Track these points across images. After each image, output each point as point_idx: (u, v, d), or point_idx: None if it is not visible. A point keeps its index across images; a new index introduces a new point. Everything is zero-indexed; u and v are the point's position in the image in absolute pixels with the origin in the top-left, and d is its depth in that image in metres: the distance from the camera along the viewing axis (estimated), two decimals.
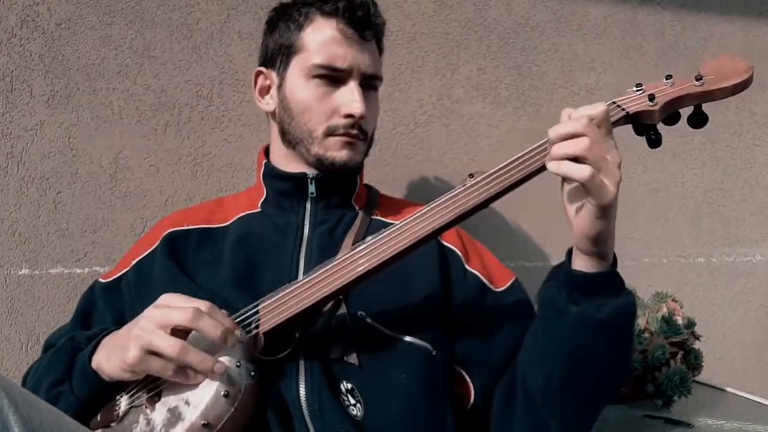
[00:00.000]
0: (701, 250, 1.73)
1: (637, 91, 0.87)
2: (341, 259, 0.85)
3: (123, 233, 1.31)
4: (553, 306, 0.84)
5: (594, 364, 0.84)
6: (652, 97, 0.85)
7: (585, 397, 0.86)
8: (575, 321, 0.82)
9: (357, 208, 1.06)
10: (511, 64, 1.57)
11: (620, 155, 0.78)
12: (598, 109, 0.78)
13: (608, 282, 0.82)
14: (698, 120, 0.90)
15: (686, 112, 0.90)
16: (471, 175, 0.84)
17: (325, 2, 0.99)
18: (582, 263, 0.83)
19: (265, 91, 1.07)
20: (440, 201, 0.84)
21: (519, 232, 1.55)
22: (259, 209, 1.06)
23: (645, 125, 0.87)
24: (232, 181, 1.37)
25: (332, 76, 0.99)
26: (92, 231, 1.30)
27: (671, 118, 0.89)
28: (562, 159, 0.76)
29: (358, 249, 0.84)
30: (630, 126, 0.88)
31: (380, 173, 1.46)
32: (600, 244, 0.81)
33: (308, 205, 1.02)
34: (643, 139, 0.81)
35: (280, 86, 1.04)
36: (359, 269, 0.83)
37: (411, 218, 0.84)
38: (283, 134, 1.04)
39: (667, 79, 0.87)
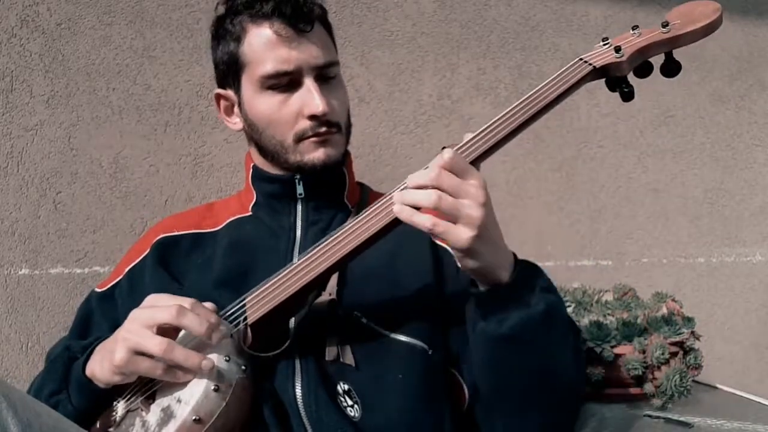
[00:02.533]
0: (701, 250, 1.73)
1: (604, 45, 0.88)
2: (321, 246, 0.84)
3: (123, 233, 1.31)
4: (469, 321, 0.85)
5: (512, 375, 0.83)
6: (618, 49, 0.85)
7: (522, 403, 0.85)
8: (481, 337, 0.82)
9: (350, 206, 1.05)
10: (511, 64, 1.57)
11: (484, 195, 0.76)
12: (445, 157, 0.77)
13: (506, 296, 0.80)
14: (671, 69, 0.88)
15: (659, 62, 0.89)
16: (444, 149, 0.83)
17: (252, 7, 0.96)
18: (481, 286, 0.82)
19: (229, 111, 1.05)
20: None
21: (519, 232, 1.55)
22: (251, 212, 1.05)
23: (615, 78, 0.87)
24: (232, 181, 1.37)
25: (284, 82, 0.95)
26: (92, 231, 1.30)
27: (642, 70, 0.89)
28: (410, 206, 0.76)
29: (336, 234, 0.84)
30: (606, 87, 0.88)
31: (380, 173, 1.46)
32: (482, 275, 0.80)
33: (299, 207, 1.02)
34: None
35: (240, 104, 1.01)
36: (339, 252, 0.82)
37: (387, 196, 0.83)
38: (260, 149, 1.03)
39: (633, 29, 0.87)
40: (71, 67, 1.29)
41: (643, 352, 1.13)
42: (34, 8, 1.27)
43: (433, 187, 0.76)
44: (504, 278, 0.80)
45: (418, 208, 0.77)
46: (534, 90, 0.85)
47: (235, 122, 1.05)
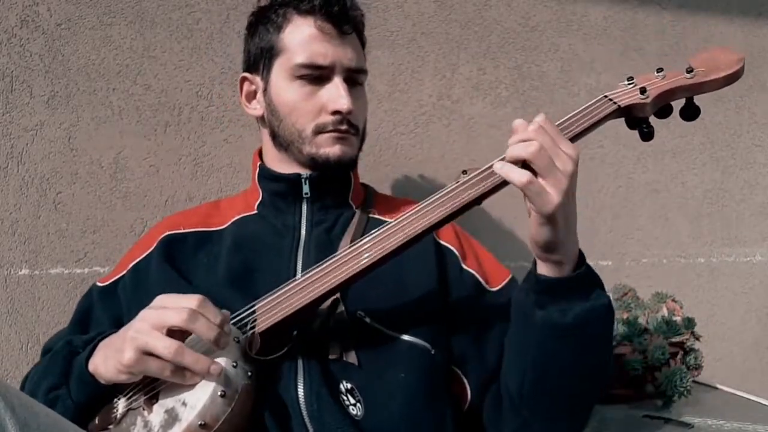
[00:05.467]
0: (701, 250, 1.73)
1: (629, 84, 0.88)
2: (336, 258, 0.85)
3: (123, 233, 1.31)
4: (522, 310, 0.85)
5: (565, 368, 0.83)
6: (643, 90, 0.86)
7: (561, 399, 0.85)
8: (540, 326, 0.82)
9: (354, 207, 1.06)
10: (511, 65, 1.57)
11: (574, 165, 0.77)
12: (540, 119, 0.78)
13: (572, 286, 0.81)
14: (690, 113, 0.90)
15: (678, 104, 0.90)
16: (464, 172, 0.84)
17: (300, 0, 0.99)
18: (543, 269, 0.82)
19: (251, 96, 1.07)
20: (435, 197, 0.84)
21: (519, 232, 1.55)
22: (256, 211, 1.06)
23: (637, 118, 0.88)
24: (232, 182, 1.37)
25: (316, 75, 0.99)
26: (92, 231, 1.30)
27: (663, 111, 0.90)
28: (510, 161, 0.78)
29: (353, 247, 0.84)
30: (626, 124, 0.89)
31: (380, 173, 1.46)
32: (550, 251, 0.80)
33: (304, 206, 1.02)
34: (644, 143, 0.81)
35: (265, 90, 1.03)
36: (354, 267, 0.83)
37: (405, 215, 0.84)
38: (274, 137, 1.03)
39: (658, 72, 0.88)
40: (71, 68, 1.29)
41: (644, 352, 1.14)
42: (34, 8, 1.27)
43: (530, 140, 0.76)
44: (567, 264, 0.81)
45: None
46: (556, 124, 0.85)
47: (255, 108, 1.07)
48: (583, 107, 0.86)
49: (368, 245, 0.84)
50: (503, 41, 1.56)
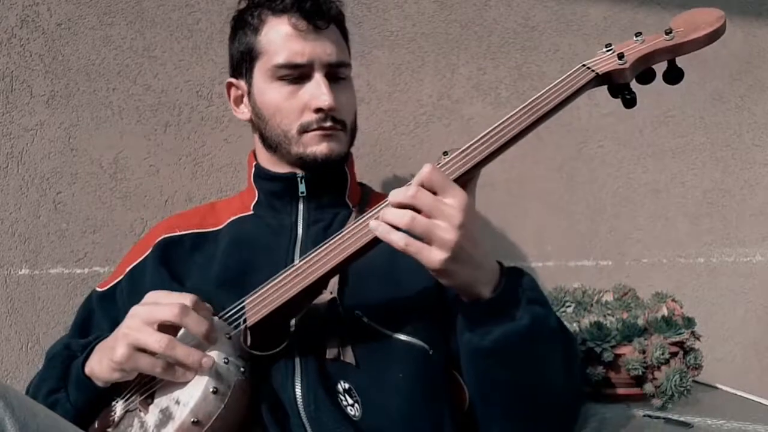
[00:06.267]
0: (701, 250, 1.73)
1: (607, 51, 0.88)
2: (321, 249, 0.84)
3: (123, 234, 1.31)
4: (458, 330, 0.85)
5: (497, 387, 0.83)
6: (621, 56, 0.86)
7: (513, 414, 0.85)
8: (466, 348, 0.83)
9: (351, 206, 1.05)
10: (511, 65, 1.57)
11: (460, 216, 0.74)
12: (423, 172, 0.76)
13: (489, 310, 0.80)
14: (673, 75, 0.89)
15: (661, 69, 0.89)
16: (445, 153, 0.83)
17: (273, 0, 0.99)
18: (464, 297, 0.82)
19: (239, 100, 1.07)
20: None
21: (519, 232, 1.55)
22: (252, 211, 1.06)
23: (618, 85, 0.87)
24: (232, 182, 1.37)
25: (295, 74, 0.98)
26: (92, 231, 1.30)
27: (645, 76, 0.89)
28: (386, 223, 0.76)
29: (336, 237, 0.84)
30: (609, 94, 0.89)
31: (380, 173, 1.46)
32: (458, 291, 0.80)
33: (300, 206, 1.02)
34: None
35: (249, 93, 1.04)
36: (340, 256, 0.82)
37: (385, 202, 0.83)
38: (263, 140, 1.04)
39: (636, 36, 0.87)
40: (71, 68, 1.29)
41: (643, 352, 1.13)
42: (34, 8, 1.27)
43: (410, 206, 0.75)
44: (484, 293, 0.79)
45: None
46: (536, 96, 0.84)
47: (243, 112, 1.07)
48: (562, 78, 0.86)
49: (353, 232, 0.82)
50: (503, 41, 1.56)
